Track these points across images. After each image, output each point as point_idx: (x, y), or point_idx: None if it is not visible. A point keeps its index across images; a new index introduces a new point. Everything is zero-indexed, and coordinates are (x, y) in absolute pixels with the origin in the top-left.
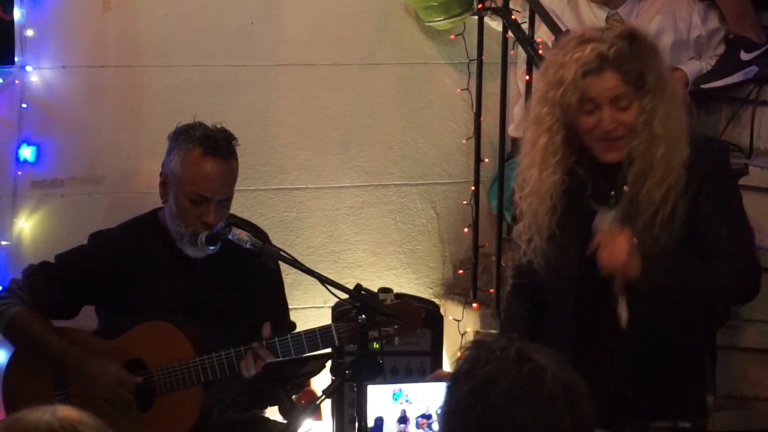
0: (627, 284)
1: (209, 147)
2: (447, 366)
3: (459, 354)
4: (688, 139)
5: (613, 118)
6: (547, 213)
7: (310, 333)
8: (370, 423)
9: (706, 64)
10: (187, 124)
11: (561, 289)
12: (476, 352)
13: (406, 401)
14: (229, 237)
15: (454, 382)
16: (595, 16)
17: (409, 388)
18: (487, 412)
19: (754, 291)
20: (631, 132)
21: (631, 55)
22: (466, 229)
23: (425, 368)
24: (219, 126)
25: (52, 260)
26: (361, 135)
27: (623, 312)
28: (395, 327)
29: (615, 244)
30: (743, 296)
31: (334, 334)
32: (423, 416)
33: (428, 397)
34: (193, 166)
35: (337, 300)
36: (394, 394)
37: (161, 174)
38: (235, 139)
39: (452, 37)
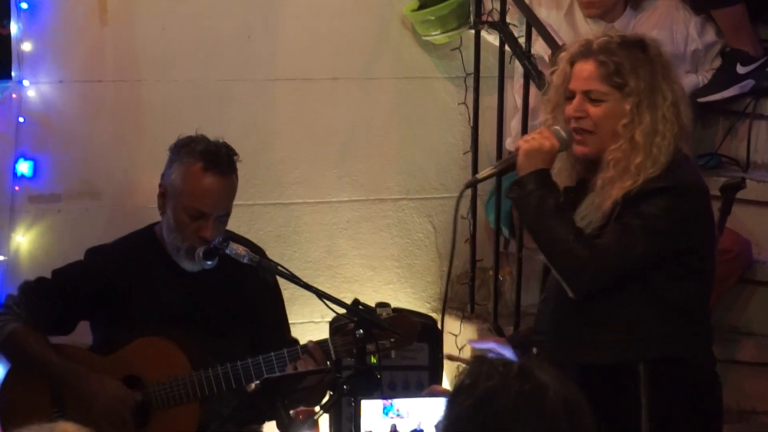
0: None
1: (210, 162)
2: (445, 380)
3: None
4: (669, 158)
5: (580, 107)
6: None
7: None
8: None
9: (702, 77)
10: (189, 136)
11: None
12: (479, 367)
13: (397, 416)
14: (227, 252)
15: (456, 395)
16: (592, 31)
17: (400, 403)
18: (487, 426)
19: (581, 284)
20: (599, 129)
21: (616, 51)
22: (465, 242)
23: (423, 383)
24: (221, 140)
25: (49, 276)
26: (358, 149)
27: None
28: (391, 340)
29: (541, 135)
30: (571, 277)
31: (331, 348)
32: (415, 431)
33: (420, 411)
34: (193, 181)
35: (334, 315)
36: (384, 408)
37: (160, 185)
38: (236, 154)
39: (449, 51)
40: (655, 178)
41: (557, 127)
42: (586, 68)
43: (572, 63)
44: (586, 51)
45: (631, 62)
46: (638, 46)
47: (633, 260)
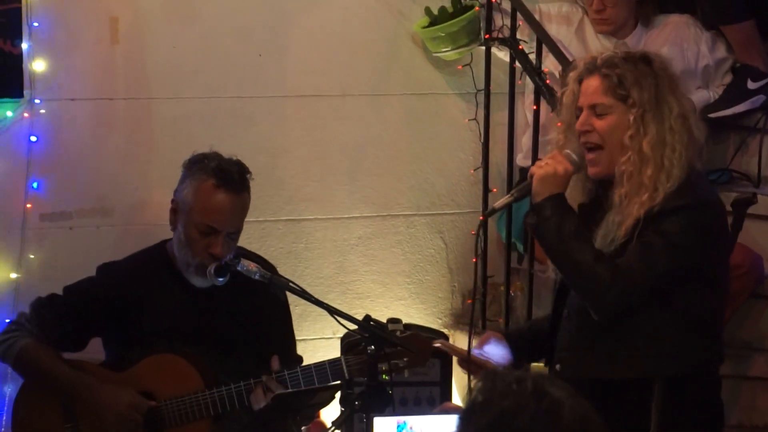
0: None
1: (222, 179)
2: (456, 396)
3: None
4: (684, 172)
5: (587, 121)
6: None
7: (320, 366)
8: None
9: (713, 93)
10: (202, 153)
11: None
12: (492, 383)
13: None
14: (238, 268)
15: (469, 413)
16: (603, 47)
17: (414, 421)
18: None
19: (606, 306)
20: (606, 144)
21: (619, 64)
22: (474, 259)
23: (434, 399)
24: (234, 158)
25: (61, 292)
26: (369, 165)
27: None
28: (405, 360)
29: (554, 159)
30: (596, 299)
31: (344, 368)
32: None
33: (433, 429)
34: (205, 198)
35: (346, 331)
36: (398, 426)
37: (172, 201)
38: (249, 172)
39: (460, 67)
40: (675, 196)
41: (568, 151)
42: (591, 83)
43: (580, 81)
44: (591, 67)
45: (634, 74)
46: (642, 59)
47: (656, 278)
